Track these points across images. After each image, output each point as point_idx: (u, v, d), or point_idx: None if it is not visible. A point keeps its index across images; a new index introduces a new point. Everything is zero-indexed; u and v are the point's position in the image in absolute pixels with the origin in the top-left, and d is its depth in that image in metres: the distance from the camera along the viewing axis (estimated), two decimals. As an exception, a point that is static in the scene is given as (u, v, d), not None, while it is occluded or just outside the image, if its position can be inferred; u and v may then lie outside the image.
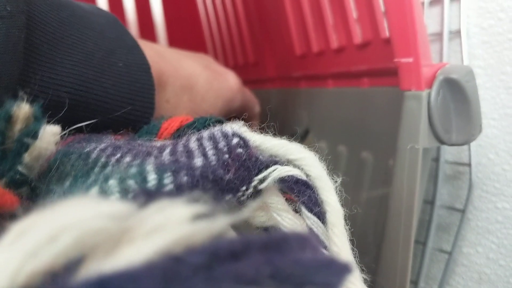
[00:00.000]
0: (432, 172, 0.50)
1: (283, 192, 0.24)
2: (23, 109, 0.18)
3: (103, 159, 0.20)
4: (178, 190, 0.18)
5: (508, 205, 0.46)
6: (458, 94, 0.31)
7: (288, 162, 0.24)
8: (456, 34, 0.48)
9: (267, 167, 0.23)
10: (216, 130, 0.22)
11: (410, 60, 0.31)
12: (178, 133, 0.27)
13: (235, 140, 0.22)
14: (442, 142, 0.31)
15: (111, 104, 0.30)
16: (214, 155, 0.20)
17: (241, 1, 0.76)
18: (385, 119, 0.45)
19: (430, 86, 0.31)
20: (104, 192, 0.17)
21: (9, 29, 0.23)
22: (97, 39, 0.29)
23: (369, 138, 0.48)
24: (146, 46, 0.35)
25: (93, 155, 0.20)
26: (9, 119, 0.18)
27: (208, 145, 0.21)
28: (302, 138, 0.60)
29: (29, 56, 0.25)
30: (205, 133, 0.22)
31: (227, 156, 0.20)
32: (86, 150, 0.20)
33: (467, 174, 0.48)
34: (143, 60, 0.32)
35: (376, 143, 0.46)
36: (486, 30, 0.46)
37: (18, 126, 0.18)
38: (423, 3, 0.52)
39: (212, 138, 0.22)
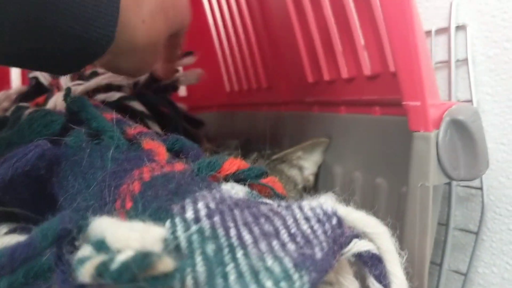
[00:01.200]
0: (445, 195, 0.51)
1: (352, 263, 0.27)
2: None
3: (233, 241, 0.21)
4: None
5: (521, 226, 0.47)
6: (465, 134, 0.32)
7: (363, 234, 0.26)
8: (463, 62, 0.50)
9: (350, 241, 0.25)
10: (317, 207, 0.24)
11: (418, 104, 0.32)
12: (235, 176, 0.29)
13: (335, 221, 0.24)
14: (451, 178, 0.33)
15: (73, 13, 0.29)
16: (325, 242, 0.22)
17: (253, 28, 0.78)
18: (397, 147, 0.47)
19: (437, 126, 0.33)
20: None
21: None
22: None
23: (383, 164, 0.49)
24: None
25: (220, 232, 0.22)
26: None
27: (317, 228, 0.23)
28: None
29: None
30: (308, 210, 0.24)
31: (332, 241, 0.23)
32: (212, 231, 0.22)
33: (479, 196, 0.49)
34: None
35: (390, 170, 0.48)
36: (492, 58, 0.47)
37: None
38: (430, 32, 0.53)
39: (318, 219, 0.24)
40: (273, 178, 0.31)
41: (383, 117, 0.50)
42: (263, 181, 0.30)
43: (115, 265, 0.17)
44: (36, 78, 0.66)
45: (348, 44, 0.53)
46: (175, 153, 0.32)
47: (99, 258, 0.18)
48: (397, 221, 0.44)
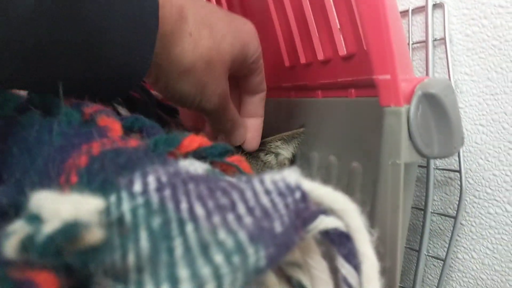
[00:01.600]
0: (423, 179, 0.50)
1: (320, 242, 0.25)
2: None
3: (183, 215, 0.19)
4: (269, 263, 0.18)
5: (500, 210, 0.46)
6: (438, 109, 0.31)
7: (331, 211, 0.24)
8: (441, 41, 0.48)
9: (315, 218, 0.23)
10: (280, 181, 0.23)
11: (388, 77, 0.31)
12: (196, 154, 0.27)
13: (298, 195, 0.22)
14: (423, 156, 0.31)
15: (116, 41, 0.29)
16: (287, 216, 0.21)
17: (228, 9, 0.76)
18: (371, 130, 0.45)
19: (409, 101, 0.31)
20: (209, 275, 0.16)
21: None
22: None
23: (358, 149, 0.48)
24: None
25: (169, 206, 0.20)
26: None
27: (278, 202, 0.21)
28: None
29: None
30: (269, 183, 0.23)
31: (294, 216, 0.21)
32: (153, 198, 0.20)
33: (458, 180, 0.48)
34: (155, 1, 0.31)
35: (365, 154, 0.46)
36: (470, 37, 0.46)
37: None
38: (407, 11, 0.52)
39: (279, 192, 0.22)
40: (239, 157, 0.29)
41: (358, 99, 0.49)
42: (228, 159, 0.28)
43: (40, 237, 0.15)
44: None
45: (324, 24, 0.51)
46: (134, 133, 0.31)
47: (25, 230, 0.16)
48: (373, 203, 0.43)
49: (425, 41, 0.49)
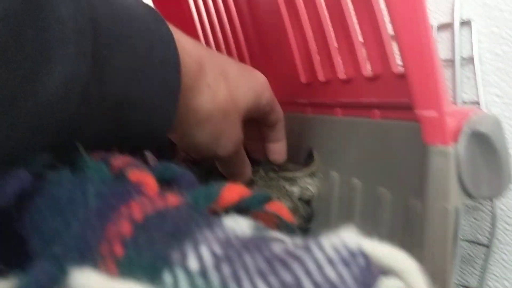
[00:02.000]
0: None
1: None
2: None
3: None
4: None
5: (533, 236, 0.45)
6: (487, 148, 0.29)
7: (391, 271, 0.22)
8: (469, 60, 0.47)
9: (376, 281, 0.21)
10: (341, 247, 0.21)
11: (434, 113, 0.29)
12: (238, 206, 0.25)
13: (362, 261, 0.21)
14: (472, 197, 0.30)
15: (141, 104, 0.30)
16: None
17: (240, 23, 0.74)
18: (399, 154, 0.44)
19: (456, 139, 0.29)
20: None
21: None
22: (141, 32, 0.29)
23: (384, 173, 0.46)
24: (180, 35, 0.35)
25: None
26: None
27: (344, 273, 0.20)
28: (310, 157, 0.59)
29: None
30: (330, 250, 0.21)
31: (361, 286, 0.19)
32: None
33: (488, 206, 0.46)
34: (176, 58, 0.32)
35: (393, 179, 0.45)
36: (500, 56, 0.44)
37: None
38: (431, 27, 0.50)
39: (343, 260, 0.20)
40: (279, 203, 0.27)
41: (383, 121, 0.47)
42: (269, 208, 0.27)
43: None
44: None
45: (345, 41, 0.50)
46: (166, 182, 0.29)
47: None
48: (404, 237, 0.42)
49: (452, 60, 0.47)
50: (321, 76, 0.56)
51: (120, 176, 0.27)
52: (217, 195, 0.24)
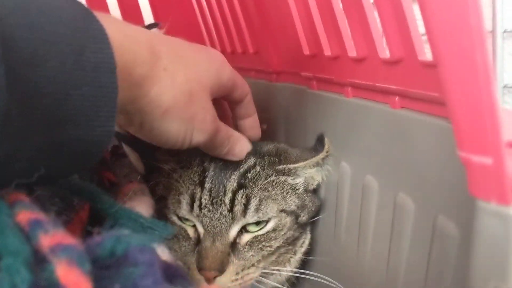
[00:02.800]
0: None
1: None
2: None
3: None
4: None
5: None
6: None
7: None
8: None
9: None
10: None
11: (489, 161, 0.21)
12: None
13: None
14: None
15: (75, 119, 0.27)
16: None
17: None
18: (427, 157, 0.36)
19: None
20: None
21: None
22: (67, 35, 0.27)
23: (405, 176, 0.38)
24: (121, 26, 0.33)
25: None
26: None
27: None
28: (320, 142, 0.51)
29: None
30: None
31: None
32: None
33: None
34: (110, 59, 0.29)
35: (416, 186, 0.37)
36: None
37: None
38: None
39: None
40: None
41: (406, 112, 0.38)
42: None
43: None
44: None
45: (356, 16, 0.40)
46: (115, 259, 0.21)
47: None
48: (430, 258, 0.35)
49: (492, 31, 0.38)
50: (327, 50, 0.46)
51: (45, 267, 0.19)
52: None
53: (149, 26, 0.58)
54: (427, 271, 0.35)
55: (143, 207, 0.43)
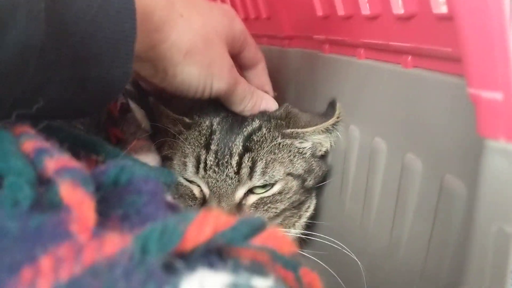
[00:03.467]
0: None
1: None
2: None
3: None
4: None
5: None
6: None
7: None
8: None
9: None
10: None
11: (499, 96, 0.20)
12: (212, 244, 0.18)
13: None
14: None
15: (98, 57, 0.28)
16: None
17: None
18: (437, 115, 0.35)
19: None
20: None
21: None
22: None
23: (415, 136, 0.38)
24: None
25: None
26: None
27: None
28: (332, 108, 0.50)
29: None
30: None
31: None
32: None
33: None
34: (131, 4, 0.30)
35: (425, 146, 0.36)
36: None
37: None
38: None
39: None
40: (273, 231, 0.19)
41: (417, 71, 0.38)
42: (260, 240, 0.19)
43: None
44: None
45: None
46: (119, 187, 0.21)
47: None
48: (436, 220, 0.34)
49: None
50: (340, 10, 0.46)
51: (49, 188, 0.19)
52: (179, 236, 0.17)
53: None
54: (429, 241, 0.34)
55: (149, 160, 0.44)
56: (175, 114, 0.49)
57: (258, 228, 0.18)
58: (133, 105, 0.49)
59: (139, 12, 0.30)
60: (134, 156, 0.43)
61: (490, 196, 0.21)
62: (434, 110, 0.35)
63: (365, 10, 0.42)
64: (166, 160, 0.49)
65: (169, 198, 0.36)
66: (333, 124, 0.49)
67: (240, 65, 0.51)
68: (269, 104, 0.50)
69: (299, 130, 0.48)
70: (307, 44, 0.58)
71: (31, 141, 0.23)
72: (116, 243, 0.16)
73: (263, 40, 0.70)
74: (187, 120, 0.49)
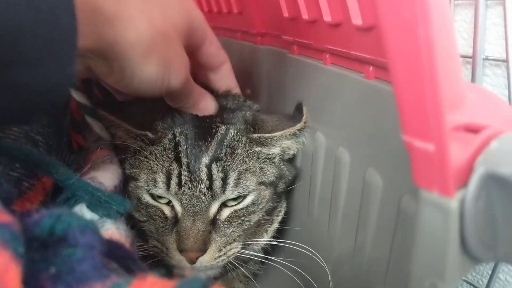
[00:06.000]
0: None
1: None
2: None
3: None
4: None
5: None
6: (508, 194, 0.19)
7: None
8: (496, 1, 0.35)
9: None
10: None
11: (430, 147, 0.19)
12: None
13: None
14: (480, 261, 0.20)
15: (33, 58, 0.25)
16: None
17: None
18: (398, 131, 0.33)
19: (463, 182, 0.19)
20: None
21: None
22: None
23: (376, 151, 0.36)
24: None
25: None
26: None
27: None
28: (299, 112, 0.48)
29: None
30: None
31: None
32: None
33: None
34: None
35: (386, 162, 0.35)
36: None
37: None
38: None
39: None
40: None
41: (379, 83, 0.36)
42: None
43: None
44: None
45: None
46: (54, 238, 0.20)
47: None
48: (391, 244, 0.33)
49: (475, 1, 0.35)
50: (304, 14, 0.44)
51: None
52: None
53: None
54: (390, 252, 0.33)
55: (108, 176, 0.41)
56: (137, 130, 0.45)
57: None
58: (89, 119, 0.46)
59: (84, 7, 0.27)
60: (91, 172, 0.41)
61: (424, 250, 0.20)
62: (394, 125, 0.34)
63: (327, 17, 0.40)
64: (130, 179, 0.45)
65: (120, 234, 0.35)
66: (300, 130, 0.47)
67: (203, 64, 0.48)
68: (208, 104, 0.47)
69: (266, 135, 0.46)
70: (278, 43, 0.56)
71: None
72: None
73: (236, 35, 0.68)
74: (150, 135, 0.45)
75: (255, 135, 0.46)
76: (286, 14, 0.48)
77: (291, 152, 0.50)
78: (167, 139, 0.44)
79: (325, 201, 0.45)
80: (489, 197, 0.19)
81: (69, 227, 0.21)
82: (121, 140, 0.47)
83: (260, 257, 0.53)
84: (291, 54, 0.52)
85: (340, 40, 0.40)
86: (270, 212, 0.49)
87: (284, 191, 0.51)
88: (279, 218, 0.52)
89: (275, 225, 0.52)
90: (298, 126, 0.47)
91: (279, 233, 0.53)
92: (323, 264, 0.46)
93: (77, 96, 0.46)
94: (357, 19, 0.35)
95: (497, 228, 0.20)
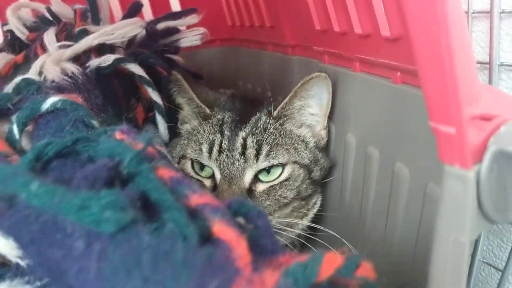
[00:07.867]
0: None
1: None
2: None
3: None
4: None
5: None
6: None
7: None
8: (509, 14, 0.39)
9: None
10: None
11: (452, 130, 0.24)
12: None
13: None
14: (495, 222, 0.25)
15: None
16: None
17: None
18: (422, 129, 0.38)
19: (479, 158, 0.24)
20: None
21: None
22: None
23: (404, 146, 0.41)
24: None
25: None
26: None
27: None
28: None
29: None
30: None
31: None
32: None
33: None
34: None
35: (413, 156, 0.40)
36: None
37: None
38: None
39: None
40: (366, 266, 0.23)
41: (406, 87, 0.41)
42: (359, 273, 0.23)
43: None
44: (11, 32, 0.58)
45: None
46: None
47: None
48: (421, 223, 0.38)
49: (490, 12, 0.40)
50: (336, 27, 0.49)
51: (199, 222, 0.23)
52: (318, 271, 0.21)
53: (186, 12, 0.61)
54: (418, 234, 0.38)
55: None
56: (198, 101, 0.56)
57: (358, 265, 0.22)
58: (159, 117, 0.53)
59: None
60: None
61: (448, 212, 0.25)
62: (418, 123, 0.39)
63: (358, 29, 0.45)
64: (180, 159, 0.55)
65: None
66: (303, 84, 0.52)
67: None
68: None
69: (281, 104, 0.54)
70: (309, 53, 0.61)
71: (164, 170, 0.26)
72: (272, 277, 0.20)
73: (268, 47, 0.74)
74: (208, 110, 0.56)
75: (275, 112, 0.54)
76: (318, 27, 0.54)
77: (319, 126, 0.56)
78: (216, 118, 0.55)
79: (356, 193, 0.50)
80: (500, 170, 0.24)
81: (248, 211, 0.26)
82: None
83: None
84: (322, 63, 0.57)
85: (369, 50, 0.45)
86: (305, 199, 0.55)
87: (320, 181, 0.56)
88: (315, 210, 0.57)
89: (310, 217, 0.57)
90: (299, 83, 0.52)
91: (312, 230, 0.58)
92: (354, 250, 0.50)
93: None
94: (385, 31, 0.41)
95: (507, 195, 0.25)
